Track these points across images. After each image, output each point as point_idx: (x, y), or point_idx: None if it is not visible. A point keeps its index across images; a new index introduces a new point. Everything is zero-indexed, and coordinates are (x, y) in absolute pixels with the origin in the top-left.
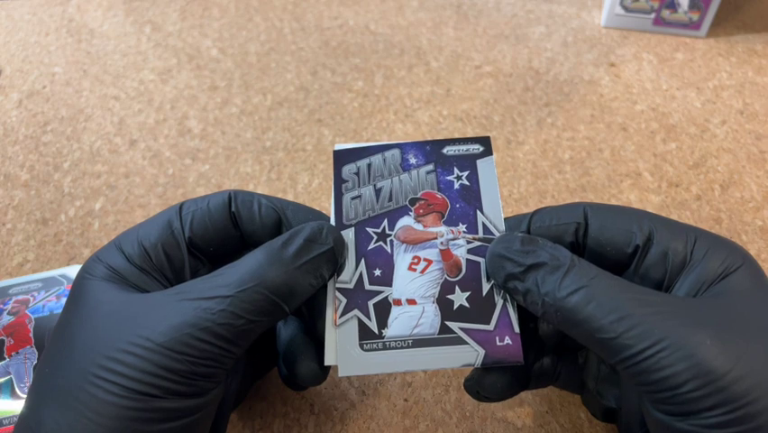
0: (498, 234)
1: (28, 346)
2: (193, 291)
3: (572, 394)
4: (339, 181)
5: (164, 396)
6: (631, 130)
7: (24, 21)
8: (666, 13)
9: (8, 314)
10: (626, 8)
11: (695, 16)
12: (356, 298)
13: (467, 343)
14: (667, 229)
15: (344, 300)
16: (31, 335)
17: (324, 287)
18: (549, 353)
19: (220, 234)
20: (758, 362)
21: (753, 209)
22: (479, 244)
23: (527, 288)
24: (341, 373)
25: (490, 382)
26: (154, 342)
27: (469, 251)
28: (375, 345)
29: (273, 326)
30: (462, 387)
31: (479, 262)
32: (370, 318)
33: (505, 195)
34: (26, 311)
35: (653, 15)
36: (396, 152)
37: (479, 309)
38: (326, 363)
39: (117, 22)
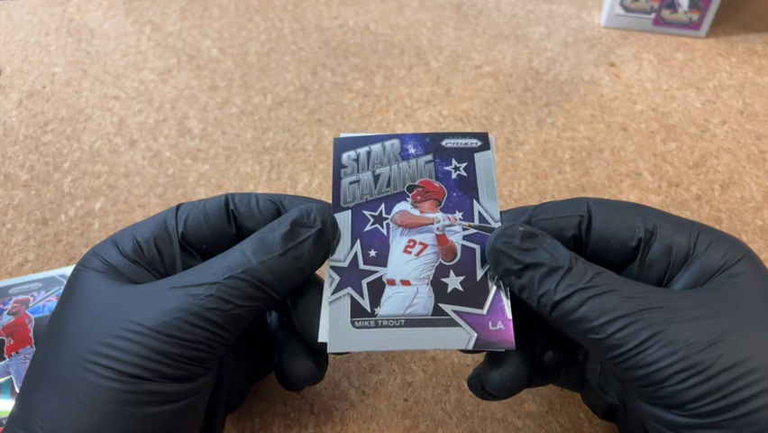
0: (493, 224)
1: (28, 346)
2: (183, 281)
3: (572, 394)
4: (338, 166)
5: (155, 379)
6: (631, 130)
7: (24, 21)
8: (666, 13)
9: (8, 314)
10: (626, 8)
11: (695, 16)
12: (350, 276)
13: (460, 325)
14: (670, 224)
15: (338, 278)
16: (31, 335)
17: (316, 282)
18: (553, 346)
19: (214, 232)
20: (746, 351)
21: (753, 209)
22: (474, 231)
23: (523, 284)
24: (330, 350)
25: (498, 378)
26: (145, 326)
27: (464, 237)
28: (367, 323)
29: (268, 328)
30: (463, 387)
31: (474, 249)
32: (362, 297)
33: (505, 195)
34: (26, 311)
35: (653, 15)
36: (396, 141)
37: (472, 294)
38: (319, 340)
39: (117, 22)
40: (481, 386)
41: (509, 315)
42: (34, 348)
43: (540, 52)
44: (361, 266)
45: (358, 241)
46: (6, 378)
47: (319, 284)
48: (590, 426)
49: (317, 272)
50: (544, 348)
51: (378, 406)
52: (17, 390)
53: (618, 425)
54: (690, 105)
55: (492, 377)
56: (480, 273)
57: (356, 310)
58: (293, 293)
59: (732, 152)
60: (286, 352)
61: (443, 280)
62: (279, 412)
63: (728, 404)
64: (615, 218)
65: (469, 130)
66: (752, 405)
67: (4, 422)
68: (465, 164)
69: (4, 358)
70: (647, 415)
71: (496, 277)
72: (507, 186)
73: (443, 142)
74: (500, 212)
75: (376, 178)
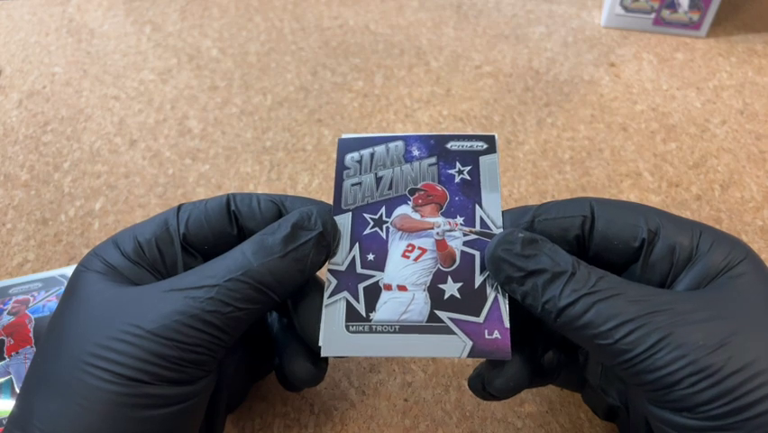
0: (495, 230)
1: (28, 346)
2: (182, 283)
3: (573, 394)
4: (341, 168)
5: (154, 382)
6: (631, 130)
7: (24, 21)
8: (666, 13)
9: (8, 314)
10: (626, 8)
11: (695, 16)
12: (347, 280)
13: (455, 333)
14: (672, 224)
15: (335, 282)
16: (31, 335)
17: (316, 282)
18: (553, 346)
19: (216, 233)
20: (753, 353)
21: (753, 209)
22: (475, 237)
23: (526, 291)
24: (323, 353)
25: (500, 379)
26: (144, 329)
27: (464, 243)
28: (361, 328)
29: (269, 328)
30: (463, 387)
31: (473, 255)
32: (358, 301)
33: (505, 195)
34: (26, 311)
35: (653, 15)
36: (400, 143)
37: (469, 301)
38: (320, 344)
39: (117, 22)
40: (482, 386)
41: (507, 324)
42: (34, 348)
43: (540, 52)
44: (359, 270)
45: (357, 244)
46: (6, 378)
47: (320, 287)
48: (590, 426)
49: (319, 275)
50: (545, 349)
51: (378, 406)
52: (17, 390)
53: (619, 425)
54: (690, 105)
55: (494, 378)
56: (478, 280)
57: (351, 315)
58: (294, 296)
59: (732, 152)
60: (286, 353)
61: (441, 286)
62: (279, 412)
63: (739, 406)
64: (618, 218)
65: (469, 130)
66: (762, 407)
67: (4, 422)
68: (469, 168)
69: (4, 358)
70: (655, 418)
71: (495, 284)
72: (507, 186)
73: (448, 145)
74: (502, 212)
75: (378, 180)
